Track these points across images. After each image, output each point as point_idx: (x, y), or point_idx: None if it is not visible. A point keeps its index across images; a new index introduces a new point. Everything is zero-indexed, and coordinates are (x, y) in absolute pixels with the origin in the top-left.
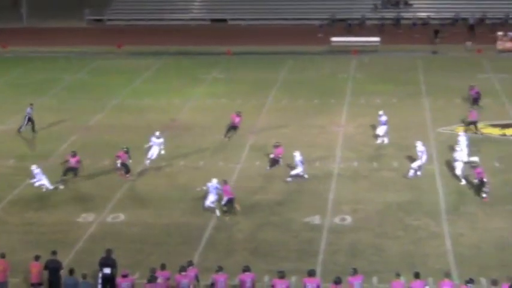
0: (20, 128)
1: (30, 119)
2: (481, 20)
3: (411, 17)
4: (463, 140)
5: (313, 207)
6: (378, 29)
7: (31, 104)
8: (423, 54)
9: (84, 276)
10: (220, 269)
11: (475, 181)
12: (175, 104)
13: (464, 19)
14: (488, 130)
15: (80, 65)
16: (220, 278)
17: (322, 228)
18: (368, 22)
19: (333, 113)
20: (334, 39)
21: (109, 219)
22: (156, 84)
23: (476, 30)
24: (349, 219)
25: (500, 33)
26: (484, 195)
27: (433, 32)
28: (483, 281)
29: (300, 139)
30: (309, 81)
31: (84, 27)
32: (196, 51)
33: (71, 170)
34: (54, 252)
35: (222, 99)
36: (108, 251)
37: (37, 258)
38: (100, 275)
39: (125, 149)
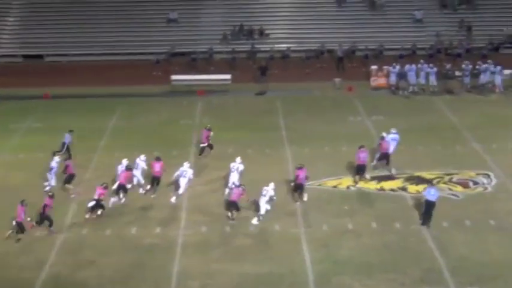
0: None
1: None
2: (351, 52)
3: (268, 49)
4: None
5: (154, 284)
6: (229, 63)
7: None
8: (284, 94)
9: None
10: None
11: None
12: None
13: (331, 51)
14: (363, 184)
15: None
16: None
17: None
18: (216, 56)
19: (176, 167)
20: (174, 77)
21: None
22: None
23: (345, 63)
24: None
25: (374, 67)
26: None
27: (258, 68)
28: None
29: (136, 199)
30: (146, 128)
31: None
32: (6, 95)
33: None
34: None
35: (38, 153)
36: None
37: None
38: None
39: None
